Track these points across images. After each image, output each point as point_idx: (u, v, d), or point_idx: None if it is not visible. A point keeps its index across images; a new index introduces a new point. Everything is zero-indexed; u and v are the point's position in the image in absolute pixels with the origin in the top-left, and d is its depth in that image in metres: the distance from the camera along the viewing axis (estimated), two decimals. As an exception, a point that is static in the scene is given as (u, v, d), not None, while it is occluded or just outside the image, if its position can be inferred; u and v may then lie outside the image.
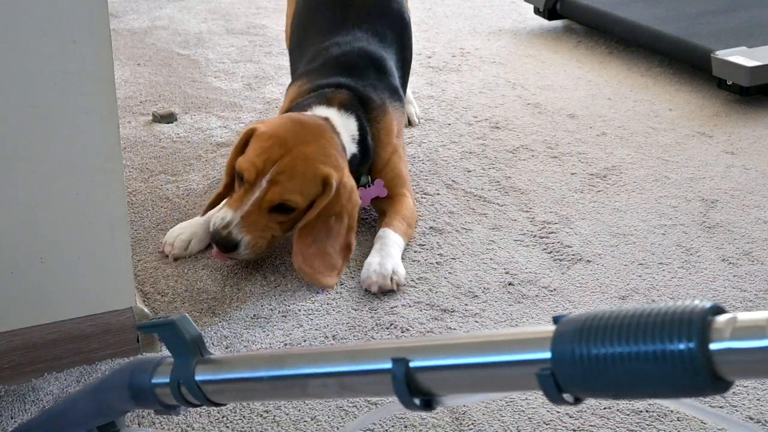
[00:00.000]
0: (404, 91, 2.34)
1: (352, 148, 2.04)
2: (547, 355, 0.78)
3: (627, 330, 0.74)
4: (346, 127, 2.04)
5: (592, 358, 0.75)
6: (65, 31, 1.41)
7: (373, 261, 1.90)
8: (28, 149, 1.47)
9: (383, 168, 2.12)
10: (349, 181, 1.95)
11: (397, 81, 2.23)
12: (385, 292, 1.85)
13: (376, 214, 2.14)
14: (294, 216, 1.90)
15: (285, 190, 1.87)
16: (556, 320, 0.79)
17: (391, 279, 1.86)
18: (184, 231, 2.01)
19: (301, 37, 2.36)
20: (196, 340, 1.09)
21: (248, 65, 3.12)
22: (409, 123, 2.60)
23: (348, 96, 2.09)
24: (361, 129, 2.07)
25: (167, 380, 1.09)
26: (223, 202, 1.95)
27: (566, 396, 0.78)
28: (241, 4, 3.86)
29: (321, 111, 2.04)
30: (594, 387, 0.76)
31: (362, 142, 2.07)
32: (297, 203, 1.88)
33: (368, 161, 2.10)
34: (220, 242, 1.86)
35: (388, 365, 0.88)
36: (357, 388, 0.94)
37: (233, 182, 1.96)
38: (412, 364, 0.87)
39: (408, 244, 2.01)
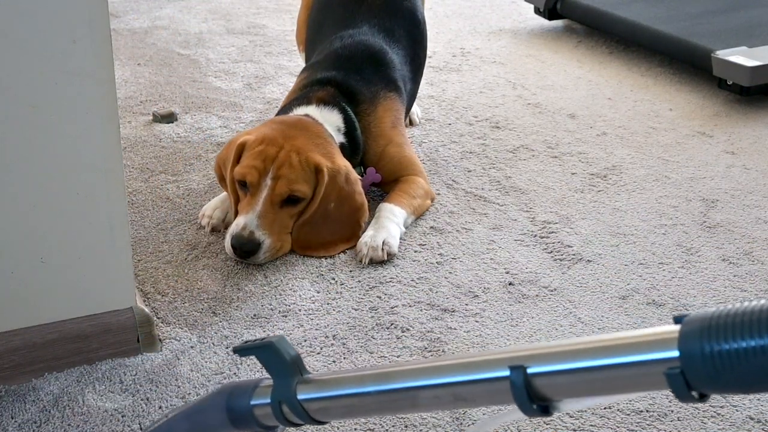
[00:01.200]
0: (414, 85, 2.40)
1: (339, 138, 2.11)
2: (675, 353, 0.79)
3: (757, 323, 0.75)
4: (328, 120, 2.11)
5: (722, 354, 0.76)
6: (65, 31, 1.41)
7: (365, 234, 1.99)
8: (28, 149, 1.47)
9: (378, 160, 2.18)
10: (342, 163, 2.02)
11: (396, 73, 2.27)
12: (379, 262, 1.94)
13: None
14: (302, 207, 1.98)
15: (290, 181, 1.94)
16: (677, 320, 0.81)
17: (382, 249, 1.94)
18: (222, 204, 2.10)
19: (315, 32, 2.43)
20: (296, 360, 1.10)
21: (248, 65, 3.12)
22: (410, 123, 2.61)
23: (330, 92, 2.16)
24: (347, 121, 2.13)
25: (268, 401, 1.10)
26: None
27: (693, 393, 0.80)
28: (241, 4, 3.86)
29: (300, 110, 2.13)
30: (724, 383, 0.77)
31: (350, 133, 2.13)
32: (304, 192, 1.96)
33: (359, 152, 2.16)
34: (244, 245, 1.90)
35: (506, 373, 0.89)
36: (471, 398, 0.94)
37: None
38: (530, 371, 0.89)
39: (414, 224, 2.01)
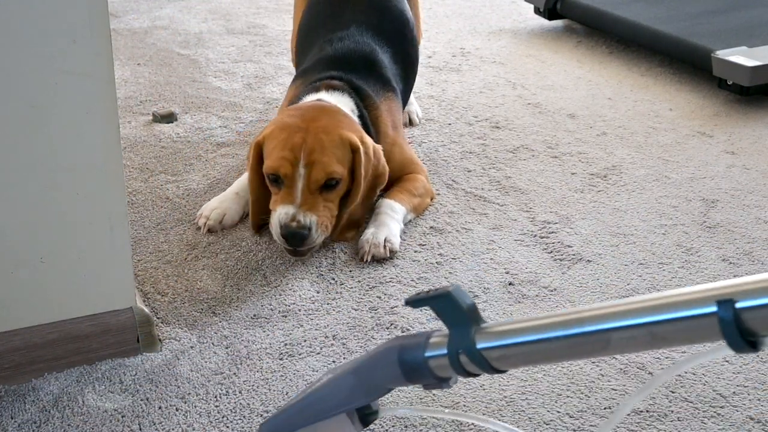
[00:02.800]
0: (406, 85, 2.38)
1: (355, 119, 2.08)
2: None
3: None
4: (341, 103, 2.09)
5: None
6: (65, 31, 1.41)
7: (367, 231, 1.99)
8: (28, 149, 1.47)
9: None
10: (368, 139, 2.01)
11: (389, 73, 2.26)
12: (381, 260, 1.95)
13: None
14: (339, 189, 1.95)
15: (325, 165, 1.91)
16: None
17: (384, 247, 1.95)
18: (220, 205, 2.08)
19: (304, 37, 2.41)
20: (472, 309, 1.08)
21: (248, 65, 3.12)
22: (410, 123, 2.61)
23: (338, 82, 2.14)
24: (358, 107, 2.12)
25: (444, 351, 1.09)
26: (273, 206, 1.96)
27: None
28: (241, 4, 3.86)
29: (311, 97, 2.10)
30: None
31: (362, 118, 2.11)
32: (341, 174, 1.93)
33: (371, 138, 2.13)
34: (295, 233, 1.87)
35: (712, 309, 0.88)
36: (672, 337, 0.93)
37: (262, 196, 2.00)
38: (738, 305, 0.87)
39: (414, 224, 2.01)
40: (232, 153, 2.45)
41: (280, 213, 1.90)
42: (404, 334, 1.15)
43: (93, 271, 1.58)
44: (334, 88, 2.12)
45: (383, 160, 2.05)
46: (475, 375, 1.10)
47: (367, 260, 1.94)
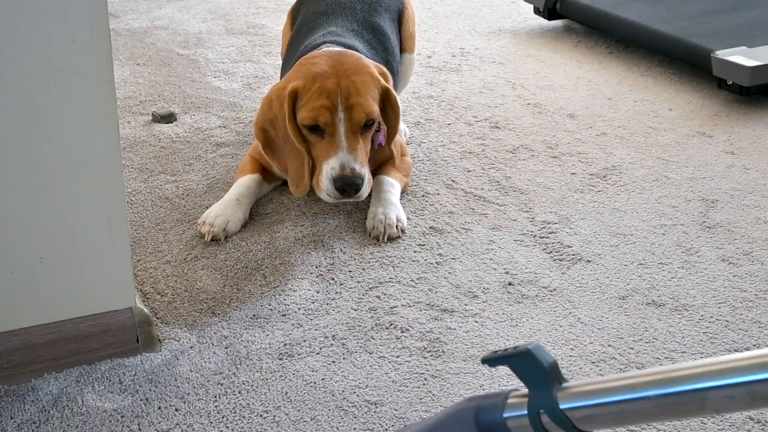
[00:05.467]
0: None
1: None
2: None
3: None
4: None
5: None
6: (65, 31, 1.41)
7: (377, 210, 2.05)
8: (28, 149, 1.46)
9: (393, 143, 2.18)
10: (384, 69, 2.06)
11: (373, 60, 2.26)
12: (392, 238, 2.02)
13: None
14: (372, 128, 2.00)
15: (364, 106, 1.95)
16: None
17: (397, 227, 2.03)
18: (223, 212, 2.05)
19: (292, 46, 2.39)
20: (553, 368, 1.05)
21: (248, 65, 3.12)
22: None
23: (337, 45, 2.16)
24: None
25: (524, 412, 1.05)
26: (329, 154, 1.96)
27: None
28: (241, 4, 3.85)
29: (327, 47, 2.11)
30: None
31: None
32: (377, 113, 1.97)
33: None
34: (351, 183, 1.92)
35: None
36: None
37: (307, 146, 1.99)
38: None
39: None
40: (231, 153, 2.45)
41: (333, 164, 1.93)
42: (479, 394, 1.14)
43: (92, 271, 1.58)
44: (341, 45, 2.14)
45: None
46: None
47: (383, 240, 2.00)
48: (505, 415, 1.07)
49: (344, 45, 2.18)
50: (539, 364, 1.05)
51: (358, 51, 2.20)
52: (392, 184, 2.13)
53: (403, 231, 2.04)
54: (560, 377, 1.05)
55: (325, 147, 1.94)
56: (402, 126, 2.59)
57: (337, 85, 1.93)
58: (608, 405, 0.99)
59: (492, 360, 1.08)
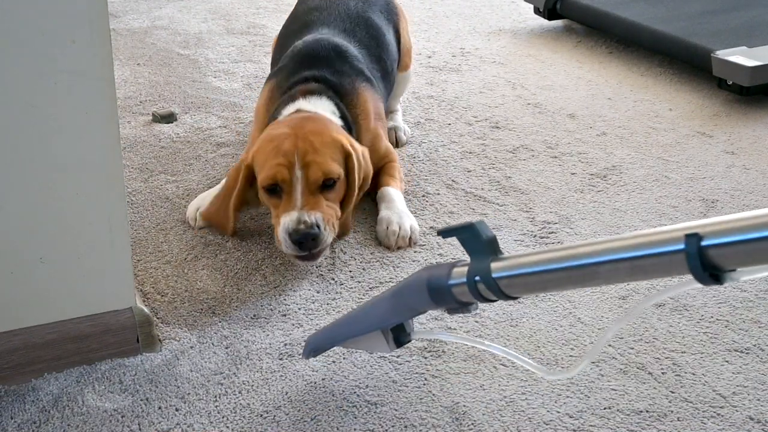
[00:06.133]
0: (385, 86, 2.37)
1: (337, 121, 2.09)
2: None
3: None
4: (320, 108, 2.09)
5: None
6: (65, 31, 1.41)
7: (391, 220, 2.04)
8: (28, 149, 1.46)
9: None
10: (356, 143, 2.03)
11: (363, 65, 2.25)
12: (401, 248, 2.02)
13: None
14: (337, 190, 1.95)
15: (321, 164, 1.90)
16: None
17: (410, 239, 2.02)
18: (203, 201, 2.10)
19: (280, 47, 2.41)
20: (492, 241, 1.24)
21: (248, 65, 3.12)
22: (397, 143, 2.52)
23: (314, 86, 2.13)
24: (339, 108, 2.12)
25: (464, 279, 1.25)
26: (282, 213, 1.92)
27: None
28: (241, 4, 3.86)
29: (289, 109, 2.09)
30: None
31: (344, 118, 2.12)
32: (338, 173, 1.93)
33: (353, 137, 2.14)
34: (306, 234, 1.83)
35: (681, 245, 1.01)
36: (648, 269, 1.07)
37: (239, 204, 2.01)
38: (703, 243, 0.99)
39: (406, 196, 2.01)
40: (231, 153, 2.45)
41: (285, 221, 1.86)
42: (435, 263, 1.37)
43: (93, 271, 1.58)
44: (311, 93, 2.11)
45: (369, 162, 2.06)
46: (492, 300, 1.25)
47: (393, 250, 2.00)
48: (450, 282, 1.28)
49: (330, 46, 2.20)
50: (480, 238, 1.23)
51: (348, 53, 2.22)
52: (397, 194, 2.13)
53: (415, 243, 2.02)
54: (497, 250, 1.24)
55: (283, 205, 1.90)
56: (402, 125, 2.60)
57: (295, 145, 1.90)
58: (529, 275, 1.19)
59: (444, 232, 1.27)
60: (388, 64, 2.40)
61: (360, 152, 2.01)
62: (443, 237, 1.28)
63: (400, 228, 2.01)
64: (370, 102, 2.20)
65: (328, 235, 1.88)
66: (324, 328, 1.56)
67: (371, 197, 2.18)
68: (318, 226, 1.85)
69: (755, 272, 1.01)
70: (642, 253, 1.06)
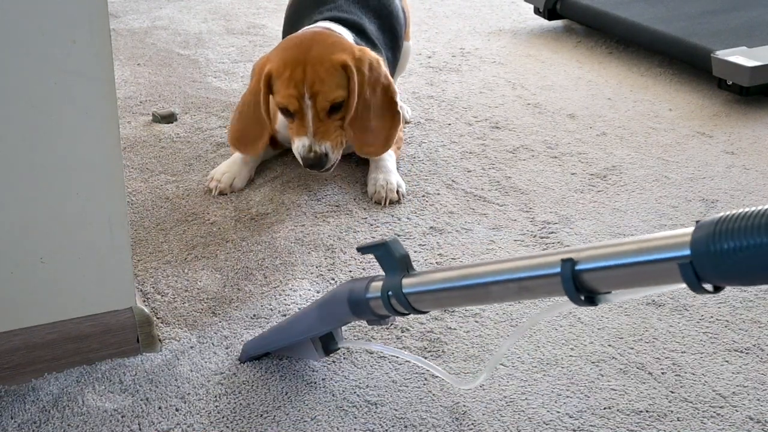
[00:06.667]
0: (393, 55, 2.49)
1: (348, 36, 2.26)
2: (687, 252, 0.97)
3: (757, 227, 0.91)
4: (341, 32, 2.25)
5: (724, 252, 0.94)
6: (65, 31, 1.41)
7: (378, 177, 2.22)
8: (28, 149, 1.46)
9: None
10: (364, 53, 2.17)
11: (375, 39, 2.37)
12: (392, 202, 2.18)
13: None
14: (345, 110, 2.15)
15: (327, 93, 2.10)
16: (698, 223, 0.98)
17: (397, 192, 2.20)
18: (230, 169, 2.26)
19: (291, 24, 2.49)
20: (404, 259, 1.32)
21: (248, 65, 3.12)
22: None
23: (335, 22, 2.31)
24: (357, 40, 2.28)
25: (379, 294, 1.33)
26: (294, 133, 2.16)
27: (706, 286, 0.98)
28: (241, 4, 3.86)
29: (310, 28, 2.26)
30: (726, 275, 0.95)
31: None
32: (342, 96, 2.12)
33: None
34: (315, 162, 2.13)
35: (557, 269, 1.08)
36: (533, 289, 1.15)
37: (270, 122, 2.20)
38: (577, 267, 1.07)
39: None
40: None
41: (298, 145, 2.14)
42: (356, 278, 1.44)
43: (93, 271, 1.58)
44: (334, 21, 2.30)
45: (384, 69, 2.20)
46: (404, 314, 1.33)
47: (385, 205, 2.16)
48: (368, 295, 1.37)
49: (348, 21, 2.32)
50: (393, 255, 1.32)
51: (364, 26, 2.35)
52: (388, 153, 2.26)
53: (403, 196, 2.20)
54: (410, 267, 1.33)
55: (295, 128, 2.15)
56: (404, 106, 2.67)
57: (303, 73, 2.09)
58: (434, 292, 1.28)
59: (362, 249, 1.35)
60: (398, 31, 2.52)
61: (368, 63, 2.15)
62: (362, 253, 1.37)
63: (387, 182, 2.19)
64: (381, 63, 2.29)
65: (337, 156, 2.16)
66: (260, 334, 1.64)
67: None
68: (326, 155, 2.13)
69: (627, 294, 1.08)
70: (526, 275, 1.14)
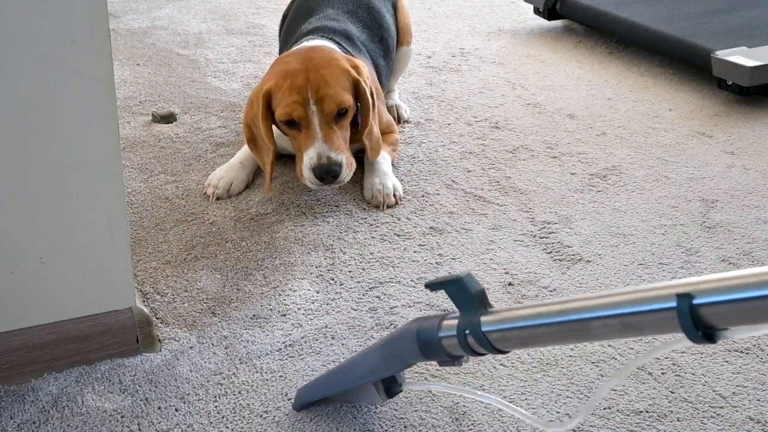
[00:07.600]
0: (386, 63, 2.51)
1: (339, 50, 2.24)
2: None
3: None
4: (333, 47, 2.23)
5: None
6: (65, 31, 1.41)
7: (374, 181, 2.20)
8: (28, 149, 1.46)
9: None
10: (357, 61, 2.16)
11: (365, 47, 2.39)
12: (390, 206, 2.17)
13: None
14: (348, 115, 2.11)
15: (333, 96, 2.05)
16: None
17: (394, 195, 2.18)
18: (227, 174, 2.24)
19: (286, 35, 2.53)
20: (481, 294, 1.22)
21: (248, 65, 3.12)
22: (399, 119, 2.66)
23: (323, 33, 2.30)
24: (346, 49, 2.28)
25: (454, 333, 1.23)
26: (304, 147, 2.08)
27: None
28: (241, 4, 3.86)
29: (299, 45, 2.25)
30: None
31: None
32: (349, 101, 2.08)
33: None
34: (329, 170, 2.03)
35: (673, 303, 0.99)
36: (639, 326, 1.05)
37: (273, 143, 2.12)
38: (695, 301, 0.98)
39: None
40: (231, 153, 2.44)
41: (310, 155, 2.04)
42: (424, 315, 1.34)
43: (92, 271, 1.58)
44: (320, 34, 2.28)
45: (374, 75, 2.27)
46: (482, 354, 1.22)
47: (383, 209, 2.14)
48: (440, 334, 1.26)
49: (337, 29, 2.32)
50: (468, 291, 1.22)
51: (351, 33, 2.36)
52: (383, 156, 2.26)
53: (400, 198, 2.18)
54: (486, 303, 1.22)
55: (303, 139, 2.06)
56: (401, 104, 2.70)
57: (307, 79, 2.04)
58: (519, 329, 1.17)
59: (432, 285, 1.25)
60: (389, 42, 2.52)
61: (364, 73, 2.13)
62: (431, 290, 1.26)
63: (383, 186, 2.17)
64: (370, 76, 2.29)
65: (347, 176, 2.08)
66: (315, 379, 1.54)
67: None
68: (339, 164, 2.04)
69: (749, 331, 1.00)
70: (632, 310, 1.05)
